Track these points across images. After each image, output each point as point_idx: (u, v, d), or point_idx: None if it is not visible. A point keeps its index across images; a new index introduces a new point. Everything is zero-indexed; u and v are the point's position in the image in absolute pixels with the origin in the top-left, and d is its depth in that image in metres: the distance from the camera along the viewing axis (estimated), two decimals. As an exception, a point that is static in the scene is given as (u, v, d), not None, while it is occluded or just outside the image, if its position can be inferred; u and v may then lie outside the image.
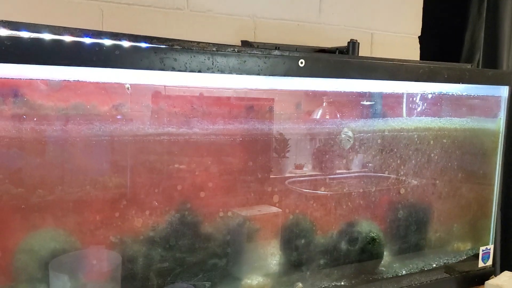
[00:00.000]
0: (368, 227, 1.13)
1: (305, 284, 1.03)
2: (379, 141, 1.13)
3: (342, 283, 1.09)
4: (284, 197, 1.03)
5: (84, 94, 0.81)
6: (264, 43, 1.28)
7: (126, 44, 0.75)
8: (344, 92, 1.11)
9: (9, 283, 0.80)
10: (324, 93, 1.10)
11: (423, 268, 1.20)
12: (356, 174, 1.14)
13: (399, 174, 1.17)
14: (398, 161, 1.16)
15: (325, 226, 1.09)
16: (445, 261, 1.25)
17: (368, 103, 1.16)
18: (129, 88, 0.85)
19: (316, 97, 1.11)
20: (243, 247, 0.99)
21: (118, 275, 0.86)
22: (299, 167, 1.09)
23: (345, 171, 1.13)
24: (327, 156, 1.09)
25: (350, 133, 1.09)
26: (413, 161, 1.18)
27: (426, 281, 1.17)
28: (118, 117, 0.85)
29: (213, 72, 0.81)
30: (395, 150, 1.15)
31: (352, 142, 1.09)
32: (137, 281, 0.88)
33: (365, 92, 1.15)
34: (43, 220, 0.80)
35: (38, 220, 0.80)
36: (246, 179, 0.98)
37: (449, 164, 1.24)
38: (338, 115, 1.11)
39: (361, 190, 1.13)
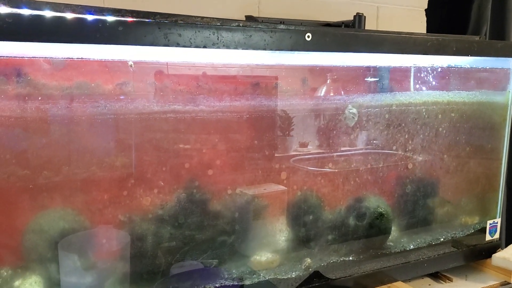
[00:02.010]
0: (376, 202, 1.13)
1: (314, 260, 1.04)
2: (386, 116, 1.12)
3: (350, 258, 1.09)
4: (289, 175, 1.02)
5: (88, 73, 0.80)
6: (269, 18, 1.25)
7: (129, 20, 0.73)
8: (351, 66, 1.09)
9: (20, 263, 0.80)
10: (331, 68, 1.09)
11: (430, 243, 1.20)
12: (362, 150, 1.13)
13: (407, 149, 1.16)
14: (406, 136, 1.15)
15: (332, 203, 1.09)
16: (452, 235, 1.25)
17: (375, 78, 1.14)
18: (132, 66, 0.83)
19: (323, 72, 1.09)
20: (249, 224, 0.99)
21: (127, 254, 0.87)
22: (303, 145, 1.08)
23: (351, 148, 1.12)
24: (331, 135, 1.07)
25: (354, 110, 1.07)
26: (421, 136, 1.17)
27: (434, 255, 1.18)
28: (122, 96, 0.84)
29: (218, 47, 0.80)
30: (403, 125, 1.14)
31: (356, 119, 1.08)
32: (146, 259, 0.88)
33: (372, 67, 1.13)
34: (50, 200, 0.80)
35: (46, 200, 0.80)
36: (251, 157, 0.98)
37: (457, 138, 1.22)
38: (346, 90, 1.10)
39: (368, 166, 1.12)
